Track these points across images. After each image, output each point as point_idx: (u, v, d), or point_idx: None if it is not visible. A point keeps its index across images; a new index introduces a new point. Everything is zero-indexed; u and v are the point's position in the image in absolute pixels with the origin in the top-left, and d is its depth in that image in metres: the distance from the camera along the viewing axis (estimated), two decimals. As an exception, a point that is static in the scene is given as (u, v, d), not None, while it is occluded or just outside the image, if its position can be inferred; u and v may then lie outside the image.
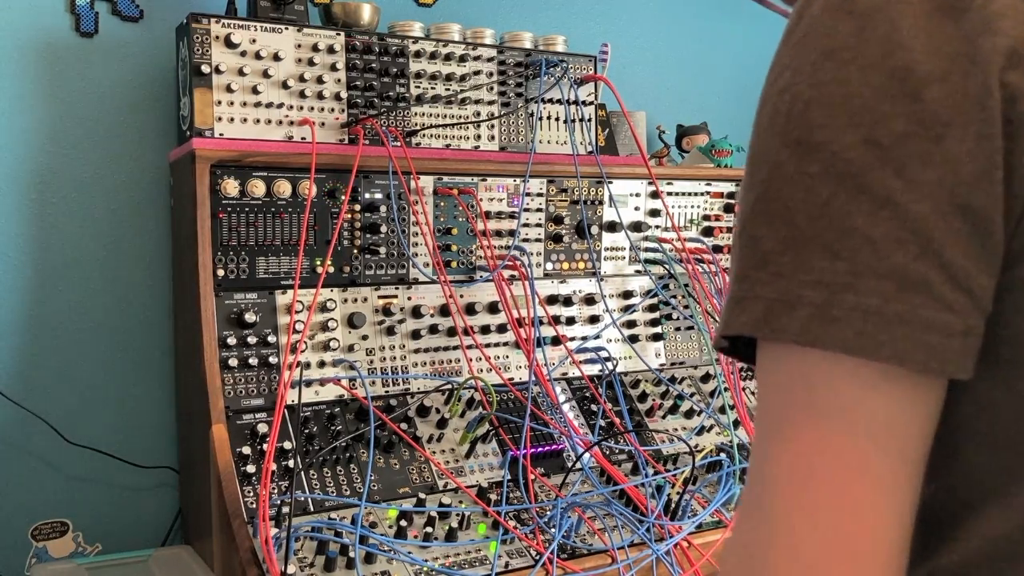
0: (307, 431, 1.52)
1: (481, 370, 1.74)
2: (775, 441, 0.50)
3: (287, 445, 1.48)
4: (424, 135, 1.75)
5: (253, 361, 1.53)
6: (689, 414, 1.90)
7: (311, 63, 1.64)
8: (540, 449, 1.67)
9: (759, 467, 0.51)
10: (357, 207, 1.66)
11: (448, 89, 1.78)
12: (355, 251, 1.67)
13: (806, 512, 0.48)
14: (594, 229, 1.93)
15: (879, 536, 0.47)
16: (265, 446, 1.46)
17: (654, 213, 2.02)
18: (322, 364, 1.60)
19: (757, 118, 0.53)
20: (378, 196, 1.68)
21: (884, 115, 0.47)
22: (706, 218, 2.10)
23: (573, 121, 1.90)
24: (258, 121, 1.59)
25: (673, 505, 1.62)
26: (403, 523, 1.42)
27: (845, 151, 0.48)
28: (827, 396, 0.48)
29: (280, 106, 1.61)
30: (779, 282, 0.49)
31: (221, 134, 1.56)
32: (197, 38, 1.54)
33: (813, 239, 0.48)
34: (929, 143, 0.46)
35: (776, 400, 0.50)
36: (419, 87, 1.75)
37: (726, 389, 1.92)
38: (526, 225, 1.86)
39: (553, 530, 1.49)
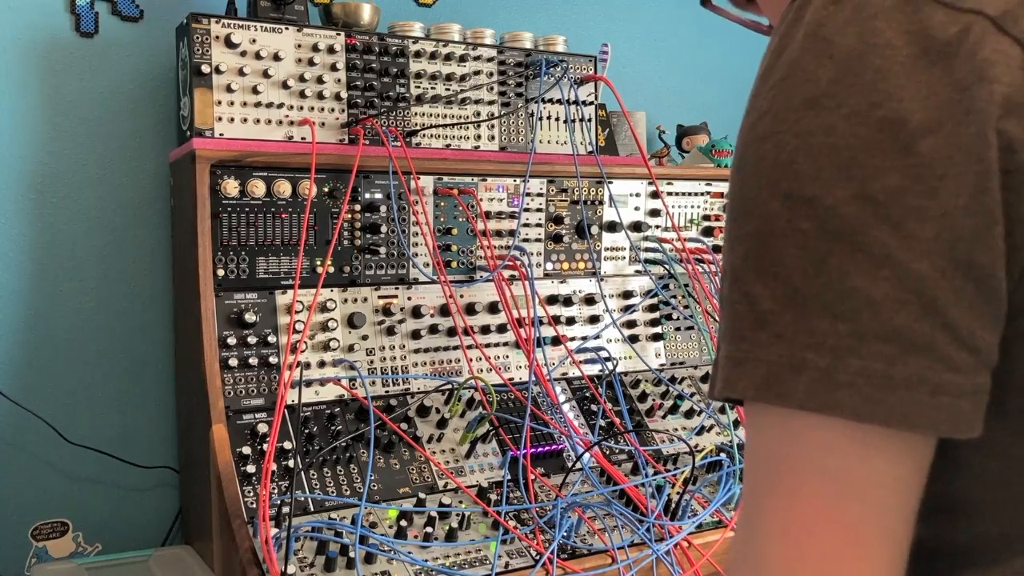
0: (307, 431, 1.52)
1: (481, 370, 1.74)
2: (769, 499, 0.49)
3: (287, 445, 1.48)
4: (424, 135, 1.75)
5: (253, 361, 1.53)
6: (689, 414, 1.90)
7: (311, 63, 1.64)
8: (540, 449, 1.67)
9: (751, 523, 0.51)
10: (357, 207, 1.66)
11: (448, 89, 1.78)
12: (355, 251, 1.67)
13: (798, 572, 0.48)
14: (594, 229, 1.93)
15: None
16: (265, 446, 1.46)
17: (654, 213, 2.02)
18: (322, 364, 1.60)
19: (739, 163, 0.51)
20: (378, 196, 1.68)
21: (876, 169, 0.45)
22: (706, 218, 2.10)
23: (573, 121, 1.90)
24: (258, 121, 1.59)
25: (673, 505, 1.62)
26: (403, 523, 1.42)
27: (839, 206, 0.46)
28: (825, 458, 0.47)
29: (280, 106, 1.61)
30: (780, 345, 0.48)
31: (221, 134, 1.56)
32: (197, 38, 1.54)
33: (812, 299, 0.47)
34: (924, 198, 0.45)
35: (771, 458, 0.50)
36: (419, 87, 1.75)
37: (726, 389, 1.92)
38: (526, 225, 1.86)
39: (553, 530, 1.49)
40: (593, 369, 1.86)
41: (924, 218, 0.45)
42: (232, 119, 1.57)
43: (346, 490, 1.49)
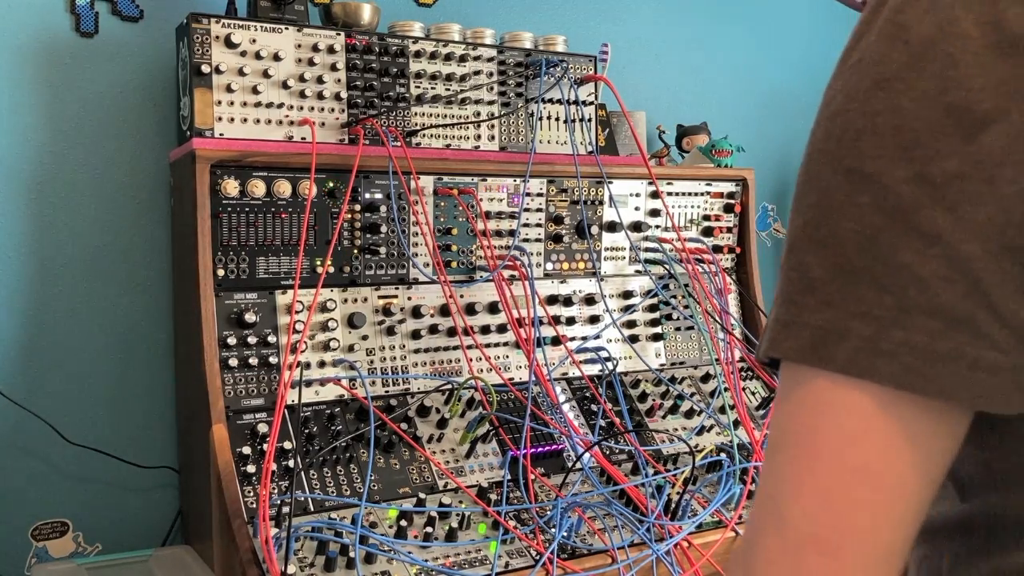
0: (307, 431, 1.52)
1: (481, 370, 1.74)
2: (793, 455, 0.51)
3: (287, 445, 1.48)
4: (424, 135, 1.75)
5: (253, 361, 1.53)
6: (689, 414, 1.90)
7: (311, 63, 1.64)
8: (540, 449, 1.67)
9: (773, 477, 0.53)
10: (357, 207, 1.66)
11: (448, 89, 1.78)
12: (355, 251, 1.67)
13: (812, 526, 0.50)
14: (594, 229, 1.93)
15: (872, 539, 0.50)
16: (265, 446, 1.46)
17: (654, 213, 2.02)
18: (322, 364, 1.60)
19: (810, 139, 0.54)
20: (378, 196, 1.68)
21: (938, 152, 0.47)
22: (706, 218, 2.10)
23: (573, 121, 1.90)
24: (258, 121, 1.59)
25: (673, 505, 1.62)
26: (403, 523, 1.42)
27: (896, 185, 0.48)
28: (855, 421, 0.49)
29: (280, 106, 1.61)
30: (827, 311, 0.50)
31: (221, 134, 1.56)
32: (197, 38, 1.54)
33: (862, 271, 0.49)
34: (982, 184, 0.46)
35: (801, 417, 0.51)
36: (419, 87, 1.75)
37: (726, 389, 1.92)
38: (526, 225, 1.86)
39: (553, 530, 1.49)
40: (593, 369, 1.86)
41: (979, 203, 0.46)
42: (232, 119, 1.57)
43: (346, 490, 1.49)
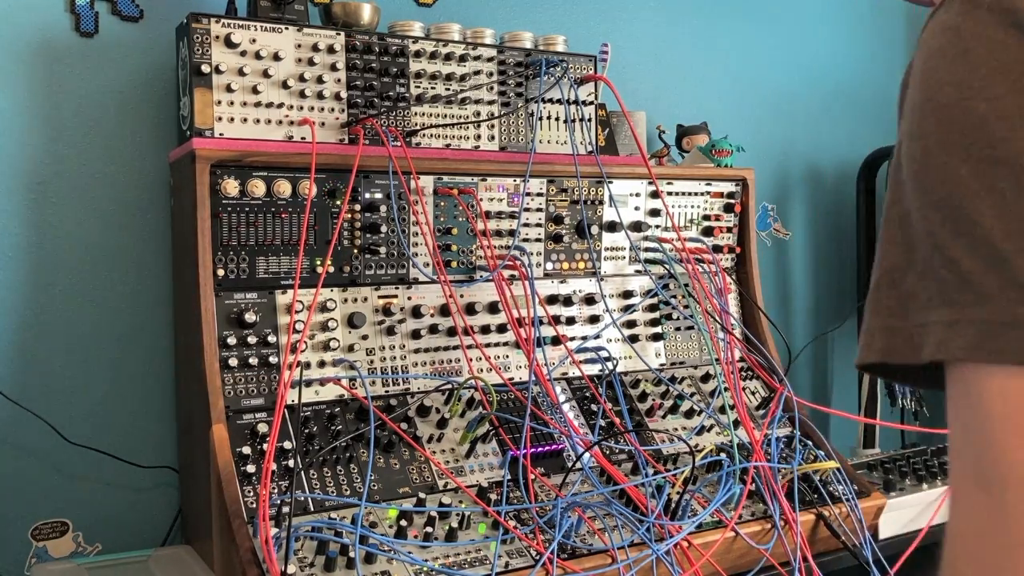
0: (307, 431, 1.52)
1: (481, 370, 1.74)
2: (1008, 452, 0.48)
3: (287, 445, 1.48)
4: (424, 135, 1.75)
5: (253, 361, 1.53)
6: (689, 414, 1.90)
7: (311, 63, 1.64)
8: (540, 449, 1.67)
9: (985, 478, 0.49)
10: (357, 207, 1.66)
11: (448, 89, 1.78)
12: (355, 251, 1.67)
13: None
14: (594, 229, 1.93)
15: None
16: (265, 446, 1.46)
17: (654, 213, 2.02)
18: (322, 364, 1.60)
19: (918, 132, 0.52)
20: (378, 196, 1.68)
21: None
22: (706, 218, 2.10)
23: (573, 121, 1.90)
24: (258, 121, 1.59)
25: (673, 505, 1.62)
26: (403, 523, 1.42)
27: None
28: None
29: (280, 106, 1.61)
30: (988, 304, 0.48)
31: (221, 134, 1.56)
32: (197, 38, 1.54)
33: (1015, 253, 0.47)
34: None
35: (995, 416, 0.48)
36: (419, 87, 1.75)
37: (726, 389, 1.92)
38: (526, 225, 1.86)
39: (553, 530, 1.49)
40: (593, 369, 1.86)
41: None
42: (232, 119, 1.57)
43: (346, 490, 1.49)
